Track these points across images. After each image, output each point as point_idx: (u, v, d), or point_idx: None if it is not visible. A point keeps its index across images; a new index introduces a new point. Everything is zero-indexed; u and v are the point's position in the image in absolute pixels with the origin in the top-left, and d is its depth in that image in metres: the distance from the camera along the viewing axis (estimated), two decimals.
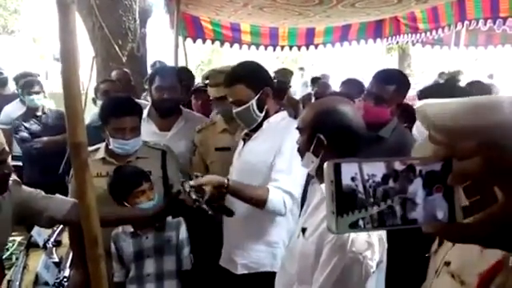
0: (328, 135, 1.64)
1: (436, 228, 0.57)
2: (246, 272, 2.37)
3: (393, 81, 2.47)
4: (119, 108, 2.51)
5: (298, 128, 1.77)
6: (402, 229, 0.59)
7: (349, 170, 0.57)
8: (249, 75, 2.31)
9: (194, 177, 2.11)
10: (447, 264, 1.06)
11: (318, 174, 1.71)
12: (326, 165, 0.57)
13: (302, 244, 1.67)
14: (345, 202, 0.56)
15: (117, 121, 2.46)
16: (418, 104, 0.77)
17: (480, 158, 0.52)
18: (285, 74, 5.46)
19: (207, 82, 3.19)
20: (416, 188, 0.58)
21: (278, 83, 4.73)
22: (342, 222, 0.56)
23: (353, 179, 0.56)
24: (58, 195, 2.16)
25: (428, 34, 6.75)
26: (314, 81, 6.61)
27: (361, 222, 0.57)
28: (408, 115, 3.10)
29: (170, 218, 2.39)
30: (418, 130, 2.50)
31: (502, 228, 0.53)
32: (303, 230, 1.68)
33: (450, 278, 1.09)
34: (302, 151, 1.74)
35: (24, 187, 2.16)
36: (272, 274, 1.99)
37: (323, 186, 1.61)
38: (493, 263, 0.85)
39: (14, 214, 2.05)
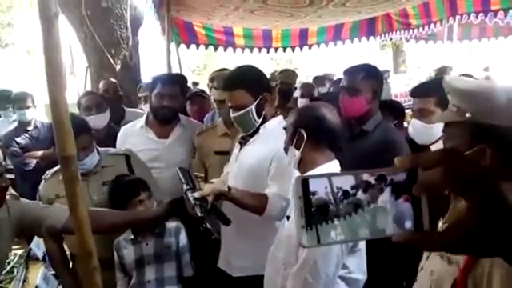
0: (307, 129, 1.83)
1: (404, 237, 0.58)
2: (242, 275, 2.38)
3: (358, 70, 2.50)
4: None
5: (284, 128, 1.96)
6: (373, 239, 0.59)
7: (318, 184, 0.57)
8: (249, 80, 2.32)
9: (195, 177, 2.15)
10: None
11: (300, 167, 1.88)
12: (294, 181, 0.58)
13: (286, 228, 1.84)
14: (315, 216, 0.57)
15: None
16: (446, 77, 1.22)
17: (442, 168, 0.54)
18: (289, 76, 5.19)
19: (212, 83, 3.22)
20: (386, 197, 0.58)
21: (282, 85, 4.67)
22: (312, 235, 0.57)
23: (322, 193, 0.57)
24: (56, 204, 2.17)
25: (421, 29, 6.76)
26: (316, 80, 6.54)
27: (333, 234, 0.57)
28: (395, 111, 3.13)
29: (169, 224, 2.41)
30: (414, 128, 2.51)
31: (468, 235, 0.54)
32: (288, 218, 1.86)
33: (439, 259, 1.18)
34: (286, 147, 1.93)
35: (22, 200, 2.18)
36: None
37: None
38: None
39: (14, 228, 2.06)
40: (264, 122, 2.34)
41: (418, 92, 2.52)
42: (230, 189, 2.10)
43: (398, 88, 8.17)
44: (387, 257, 1.97)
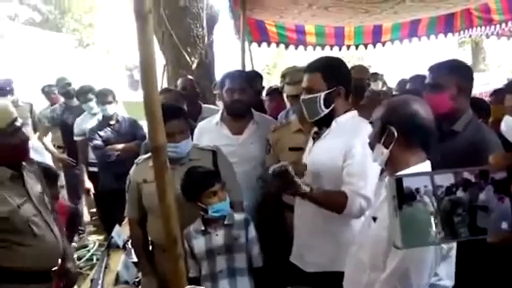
0: (398, 127, 1.69)
1: (500, 237, 0.55)
2: (315, 270, 2.38)
3: (442, 65, 2.44)
4: (165, 114, 2.60)
5: (370, 122, 1.84)
6: (472, 240, 0.57)
7: (413, 183, 0.56)
8: (328, 68, 2.34)
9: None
10: None
11: (388, 166, 1.75)
12: (387, 180, 0.57)
13: (374, 231, 1.73)
14: (410, 216, 0.55)
15: (165, 126, 2.55)
16: None
17: None
18: (361, 71, 5.27)
19: (284, 80, 3.24)
20: (486, 196, 0.56)
21: (354, 81, 4.67)
22: (407, 236, 0.55)
23: (418, 192, 0.55)
24: None
25: (503, 25, 6.40)
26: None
27: (430, 234, 0.56)
28: (480, 110, 2.98)
29: (237, 217, 2.46)
30: (507, 126, 2.38)
31: None
32: (374, 219, 1.74)
33: None
34: (372, 144, 1.80)
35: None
36: (342, 274, 1.97)
37: None
38: None
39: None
40: (335, 115, 2.33)
41: (503, 93, 2.38)
42: (312, 189, 2.12)
43: (478, 87, 7.77)
44: (476, 262, 1.89)
